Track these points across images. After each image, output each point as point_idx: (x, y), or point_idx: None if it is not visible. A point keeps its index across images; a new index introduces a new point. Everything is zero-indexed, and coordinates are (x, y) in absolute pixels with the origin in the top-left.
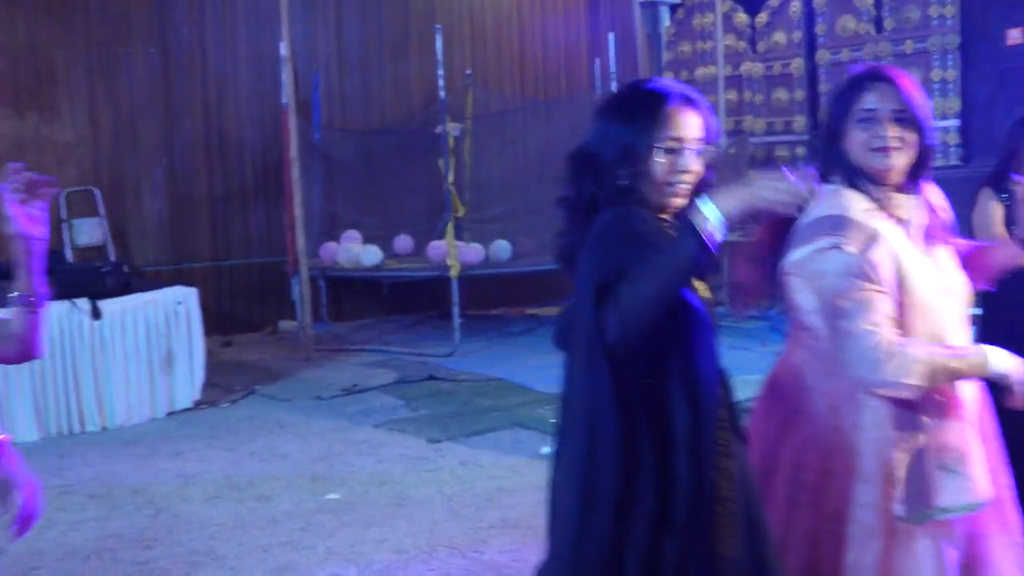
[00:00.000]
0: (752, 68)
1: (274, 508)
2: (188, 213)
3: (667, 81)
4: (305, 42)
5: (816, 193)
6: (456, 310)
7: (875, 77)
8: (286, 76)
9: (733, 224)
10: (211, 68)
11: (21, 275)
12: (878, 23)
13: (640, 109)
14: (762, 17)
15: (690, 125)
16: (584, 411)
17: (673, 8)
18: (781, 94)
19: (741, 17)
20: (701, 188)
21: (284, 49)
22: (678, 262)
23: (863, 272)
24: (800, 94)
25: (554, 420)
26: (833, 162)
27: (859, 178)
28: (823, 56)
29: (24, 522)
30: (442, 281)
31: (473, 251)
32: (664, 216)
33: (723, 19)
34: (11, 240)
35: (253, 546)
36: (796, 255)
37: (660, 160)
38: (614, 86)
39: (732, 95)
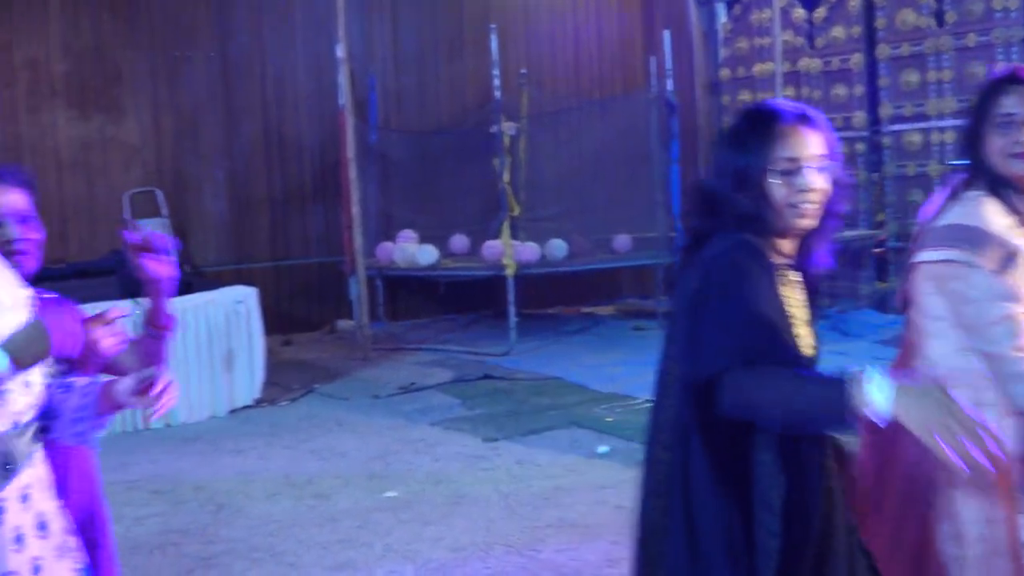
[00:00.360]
0: (810, 64)
1: (332, 506)
2: (248, 214)
3: (783, 101)
4: (361, 44)
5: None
6: (512, 309)
7: (1014, 80)
8: (343, 78)
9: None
10: (270, 71)
11: (151, 307)
12: (939, 16)
13: (752, 132)
14: (820, 12)
15: (807, 143)
16: (678, 460)
17: (730, 4)
18: (840, 90)
19: (799, 12)
20: (833, 219)
21: (341, 51)
22: (819, 412)
23: (1007, 294)
24: (859, 90)
25: (644, 445)
26: (975, 168)
27: (1002, 186)
28: (883, 51)
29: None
30: (498, 280)
31: (528, 250)
32: (788, 241)
33: (781, 14)
34: (144, 280)
35: (312, 543)
36: (926, 256)
37: (777, 182)
38: (669, 84)
39: (790, 91)
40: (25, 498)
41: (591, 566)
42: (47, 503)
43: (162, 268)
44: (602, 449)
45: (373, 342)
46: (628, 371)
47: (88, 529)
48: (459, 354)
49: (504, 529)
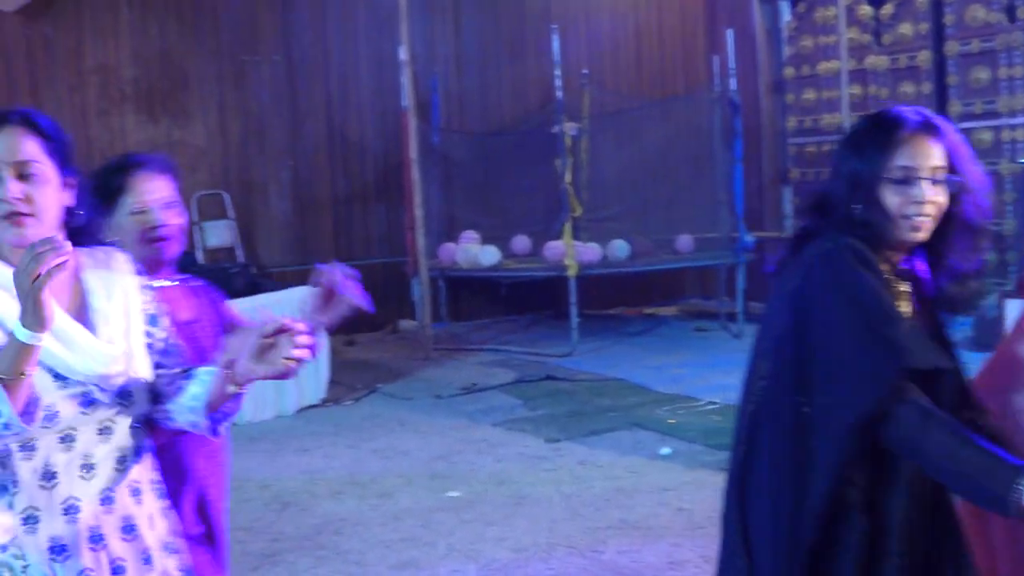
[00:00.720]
0: (877, 61)
1: (395, 505)
2: (312, 215)
3: (907, 108)
4: (424, 45)
5: None
6: (574, 310)
7: None
8: (406, 79)
9: None
10: (333, 73)
11: (314, 322)
12: (1011, 11)
13: (870, 138)
14: (887, 9)
15: (926, 153)
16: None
17: (794, 2)
18: (907, 88)
19: (865, 9)
20: (962, 233)
21: (403, 53)
22: (981, 486)
23: None
24: (928, 87)
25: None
26: None
27: None
28: (952, 48)
29: None
30: (559, 281)
31: (590, 251)
32: (898, 251)
33: (846, 11)
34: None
35: (375, 542)
36: None
37: (891, 191)
38: (733, 83)
39: (856, 90)
40: (107, 500)
41: (652, 568)
42: (141, 505)
43: (363, 299)
44: (664, 451)
45: (435, 342)
46: (691, 372)
47: (205, 523)
48: (521, 355)
49: (566, 530)
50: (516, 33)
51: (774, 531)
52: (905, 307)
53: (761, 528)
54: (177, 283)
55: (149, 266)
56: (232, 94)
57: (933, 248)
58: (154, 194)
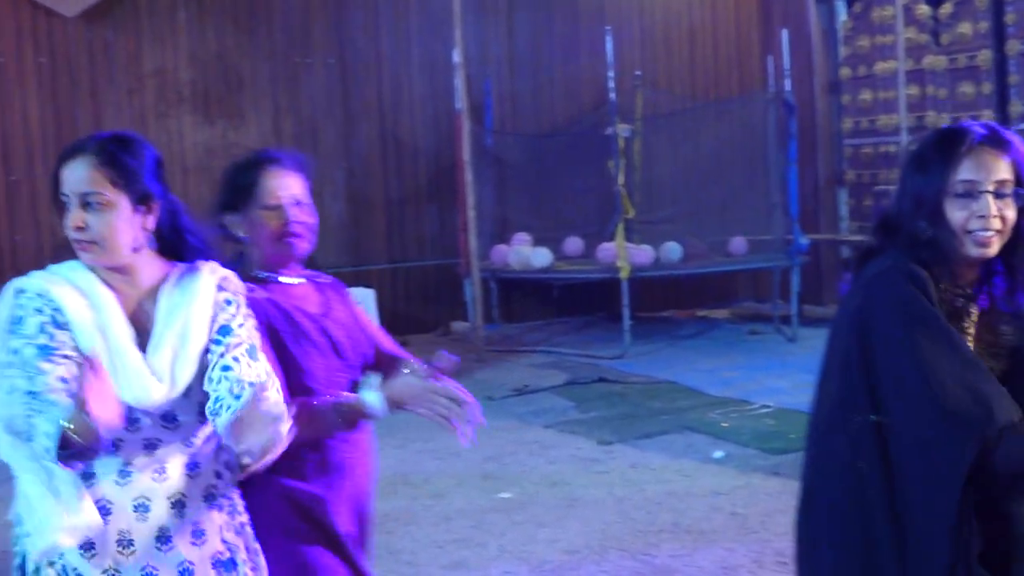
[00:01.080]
0: (935, 61)
1: (447, 505)
2: (365, 216)
3: (975, 122)
4: (477, 47)
5: None
6: (626, 312)
7: None
8: (459, 81)
9: None
10: (386, 75)
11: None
12: None
13: (933, 153)
14: (946, 8)
15: (991, 167)
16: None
17: (850, 1)
18: (967, 88)
19: (923, 9)
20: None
21: (457, 55)
22: None
23: None
24: (987, 87)
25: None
26: None
27: None
28: (1013, 47)
29: None
30: (612, 283)
31: (643, 253)
32: (969, 269)
33: (904, 11)
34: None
35: (427, 542)
36: None
37: (954, 206)
38: (787, 84)
39: (913, 90)
40: (143, 508)
41: (705, 572)
42: (210, 513)
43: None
44: (717, 454)
45: (487, 344)
46: (744, 376)
47: (359, 523)
48: (573, 356)
49: (618, 533)
50: (569, 34)
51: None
52: (969, 330)
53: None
54: (306, 280)
55: (280, 263)
56: (286, 96)
57: (1008, 263)
58: (285, 191)
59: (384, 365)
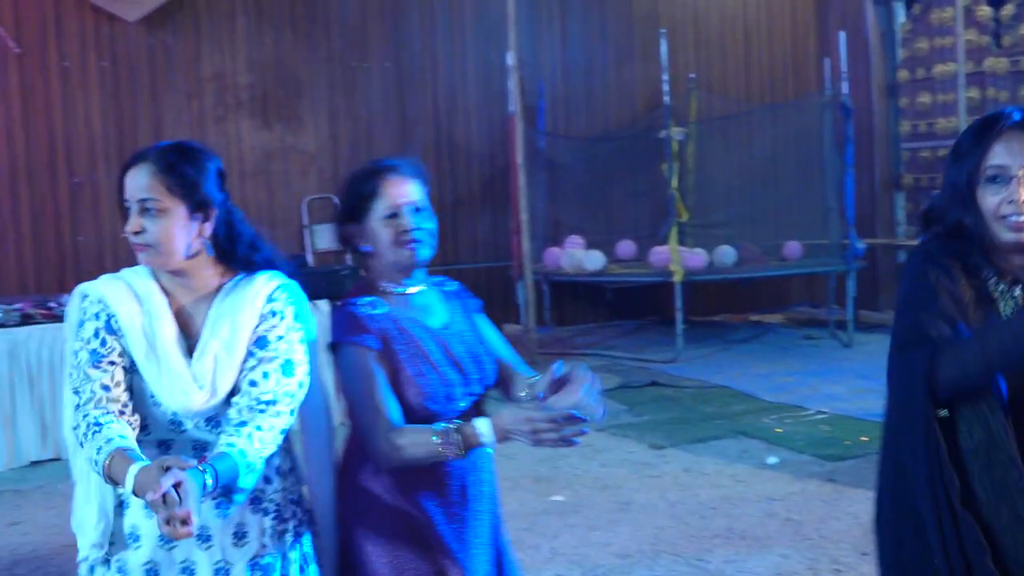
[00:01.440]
0: (996, 64)
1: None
2: None
3: (1013, 108)
4: (531, 51)
5: None
6: (679, 316)
7: None
8: (512, 85)
9: None
10: (441, 79)
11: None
12: None
13: (968, 140)
14: (1008, 9)
15: (1022, 151)
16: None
17: (908, 3)
18: None
19: (984, 11)
20: None
21: (511, 59)
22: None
23: None
24: None
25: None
26: None
27: None
28: None
29: None
30: (665, 286)
31: (696, 256)
32: (1017, 255)
33: (964, 13)
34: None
35: None
36: None
37: (986, 192)
38: (845, 87)
39: (973, 93)
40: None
41: None
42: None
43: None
44: (771, 460)
45: (540, 346)
46: (798, 381)
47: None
48: (626, 360)
49: (671, 537)
50: (623, 37)
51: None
52: (1006, 308)
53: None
54: (428, 287)
55: (402, 271)
56: (343, 100)
57: None
58: (405, 198)
59: (505, 379)
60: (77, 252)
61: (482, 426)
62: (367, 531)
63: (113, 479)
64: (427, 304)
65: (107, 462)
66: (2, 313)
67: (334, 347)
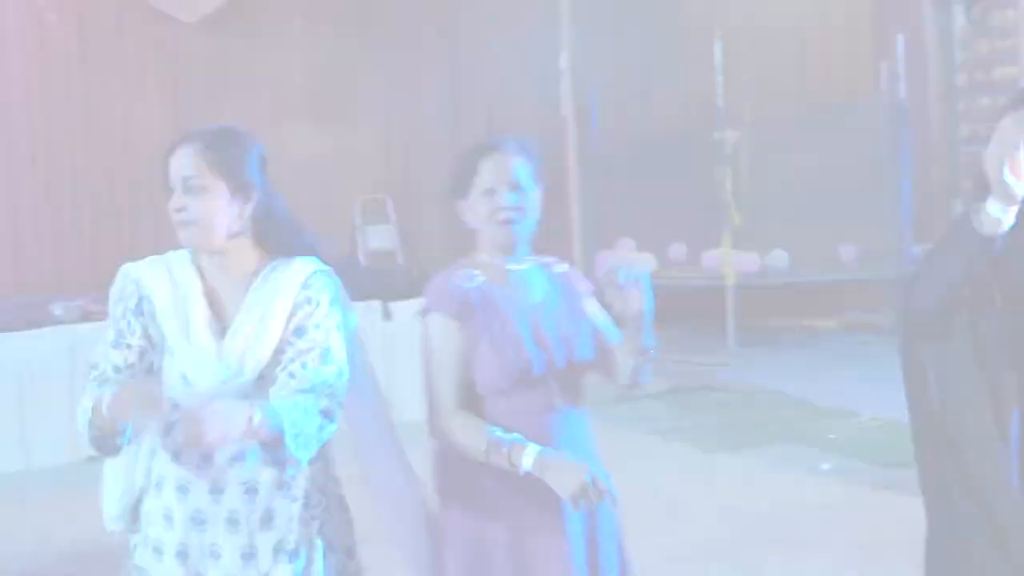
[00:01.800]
0: None
1: None
2: None
3: None
4: (585, 53)
5: None
6: (731, 320)
7: None
8: (566, 87)
9: None
10: (495, 81)
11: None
12: None
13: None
14: None
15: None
16: None
17: (969, 5)
18: None
19: None
20: None
21: (564, 61)
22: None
23: None
24: None
25: None
26: None
27: None
28: None
29: None
30: (717, 290)
31: (749, 260)
32: None
33: None
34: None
35: None
36: None
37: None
38: (902, 90)
39: None
40: (218, 491)
41: None
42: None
43: (632, 302)
44: (824, 466)
45: None
46: (852, 387)
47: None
48: (677, 363)
49: (723, 543)
50: (677, 40)
51: None
52: None
53: None
54: (534, 266)
55: (503, 248)
56: (397, 102)
57: None
58: (503, 175)
59: (607, 364)
60: (136, 251)
61: (528, 459)
62: (462, 500)
63: (112, 414)
64: (527, 281)
65: (109, 397)
66: (63, 310)
67: (423, 313)
